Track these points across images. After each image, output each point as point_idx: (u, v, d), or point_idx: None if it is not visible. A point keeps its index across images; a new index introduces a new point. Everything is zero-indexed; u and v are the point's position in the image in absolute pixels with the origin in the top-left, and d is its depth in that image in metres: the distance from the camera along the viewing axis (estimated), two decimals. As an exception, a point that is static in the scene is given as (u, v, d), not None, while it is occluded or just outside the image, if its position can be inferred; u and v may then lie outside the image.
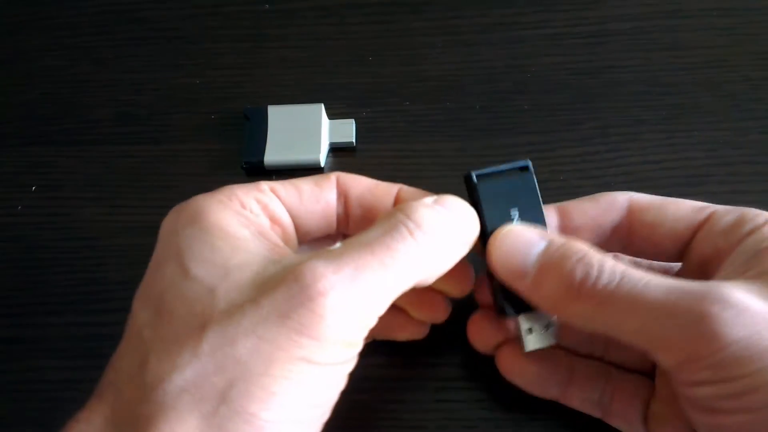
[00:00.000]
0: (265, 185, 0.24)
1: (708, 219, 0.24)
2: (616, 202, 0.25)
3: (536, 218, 0.24)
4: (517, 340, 0.25)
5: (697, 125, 0.34)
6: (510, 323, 0.26)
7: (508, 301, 0.24)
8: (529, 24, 0.37)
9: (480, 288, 0.26)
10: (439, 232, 0.21)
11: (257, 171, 0.34)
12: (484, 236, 0.24)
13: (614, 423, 0.25)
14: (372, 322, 0.20)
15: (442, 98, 0.35)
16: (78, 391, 0.30)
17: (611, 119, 0.35)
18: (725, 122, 0.34)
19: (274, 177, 0.29)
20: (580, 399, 0.26)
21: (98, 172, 0.35)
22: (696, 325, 0.19)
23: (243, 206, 0.22)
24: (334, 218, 0.25)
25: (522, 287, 0.23)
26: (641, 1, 0.37)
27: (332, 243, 0.27)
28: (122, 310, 0.32)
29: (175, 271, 0.20)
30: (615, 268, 0.21)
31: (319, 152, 0.34)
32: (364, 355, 0.30)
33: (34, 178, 0.35)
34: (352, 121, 0.35)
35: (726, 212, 0.24)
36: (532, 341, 0.24)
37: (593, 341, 0.26)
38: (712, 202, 0.25)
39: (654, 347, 0.20)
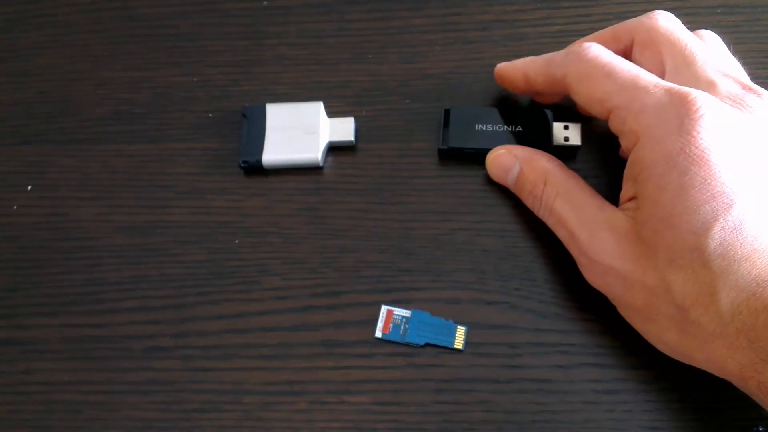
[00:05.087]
0: None
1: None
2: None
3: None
4: None
5: (700, 123, 0.34)
6: None
7: None
8: (530, 21, 0.37)
9: None
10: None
11: (255, 170, 0.34)
12: None
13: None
14: None
15: (443, 96, 0.35)
16: (73, 393, 0.30)
17: (614, 117, 0.34)
18: (729, 120, 0.34)
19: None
20: None
21: (94, 172, 0.35)
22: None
23: None
24: None
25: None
26: (644, -2, 0.37)
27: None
28: (119, 311, 0.32)
29: None
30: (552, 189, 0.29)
31: (318, 151, 0.33)
32: (363, 356, 0.29)
33: (29, 178, 0.35)
34: (352, 119, 0.34)
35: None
36: None
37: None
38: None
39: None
